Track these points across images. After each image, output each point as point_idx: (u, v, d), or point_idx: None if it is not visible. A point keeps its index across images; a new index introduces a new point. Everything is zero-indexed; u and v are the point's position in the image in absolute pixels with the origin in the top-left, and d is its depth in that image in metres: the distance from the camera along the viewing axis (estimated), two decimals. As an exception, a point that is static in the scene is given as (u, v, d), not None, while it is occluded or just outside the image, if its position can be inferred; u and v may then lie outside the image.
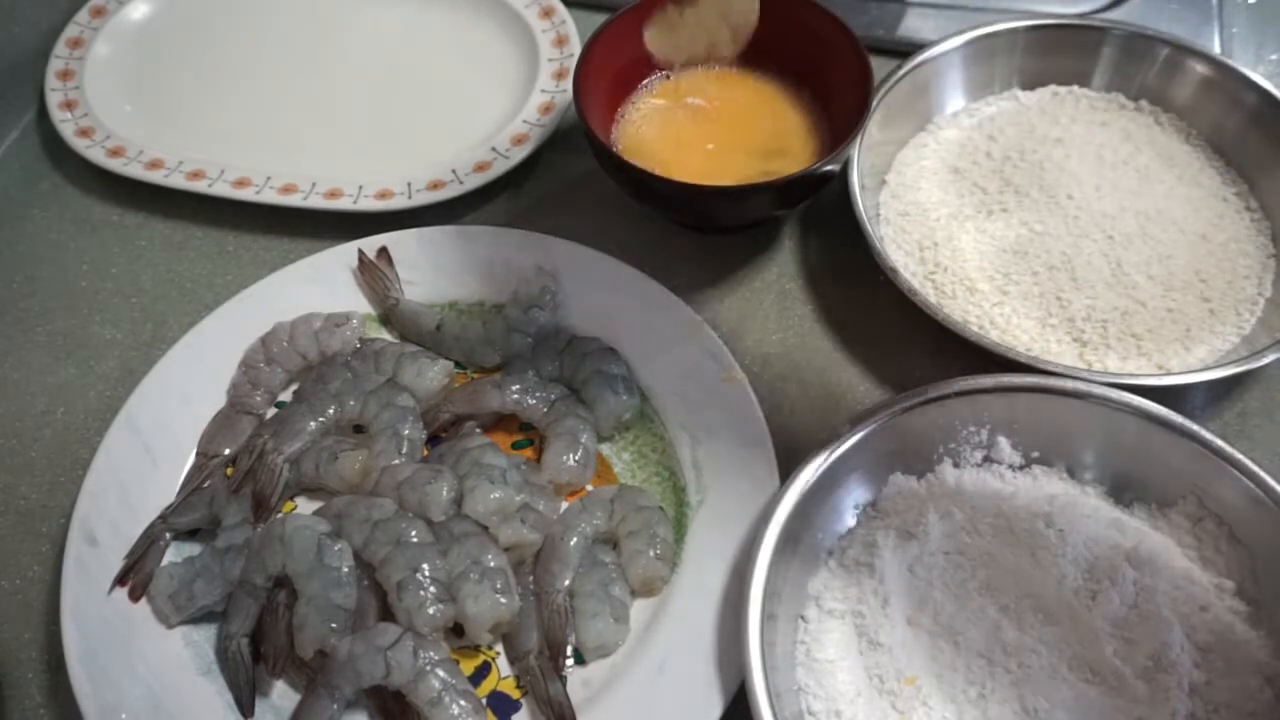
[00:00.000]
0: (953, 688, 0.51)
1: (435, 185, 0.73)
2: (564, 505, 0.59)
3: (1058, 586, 0.52)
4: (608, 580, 0.56)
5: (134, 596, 0.56)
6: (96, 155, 0.75)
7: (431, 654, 0.52)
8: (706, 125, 0.72)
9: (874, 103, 0.68)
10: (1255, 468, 0.53)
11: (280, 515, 0.58)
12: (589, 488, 0.60)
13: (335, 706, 0.52)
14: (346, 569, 0.54)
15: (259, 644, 0.54)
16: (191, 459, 0.61)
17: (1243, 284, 0.66)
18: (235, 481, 0.59)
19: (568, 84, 0.76)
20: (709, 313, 0.67)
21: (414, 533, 0.55)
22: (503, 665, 0.55)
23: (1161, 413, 0.55)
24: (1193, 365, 0.62)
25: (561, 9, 0.83)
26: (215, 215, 0.75)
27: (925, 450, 0.57)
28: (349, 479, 0.59)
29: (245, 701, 0.53)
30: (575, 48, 0.80)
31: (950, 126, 0.74)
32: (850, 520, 0.56)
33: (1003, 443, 0.57)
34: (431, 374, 0.62)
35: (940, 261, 0.67)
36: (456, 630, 0.54)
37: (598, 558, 0.57)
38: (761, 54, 0.74)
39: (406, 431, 0.60)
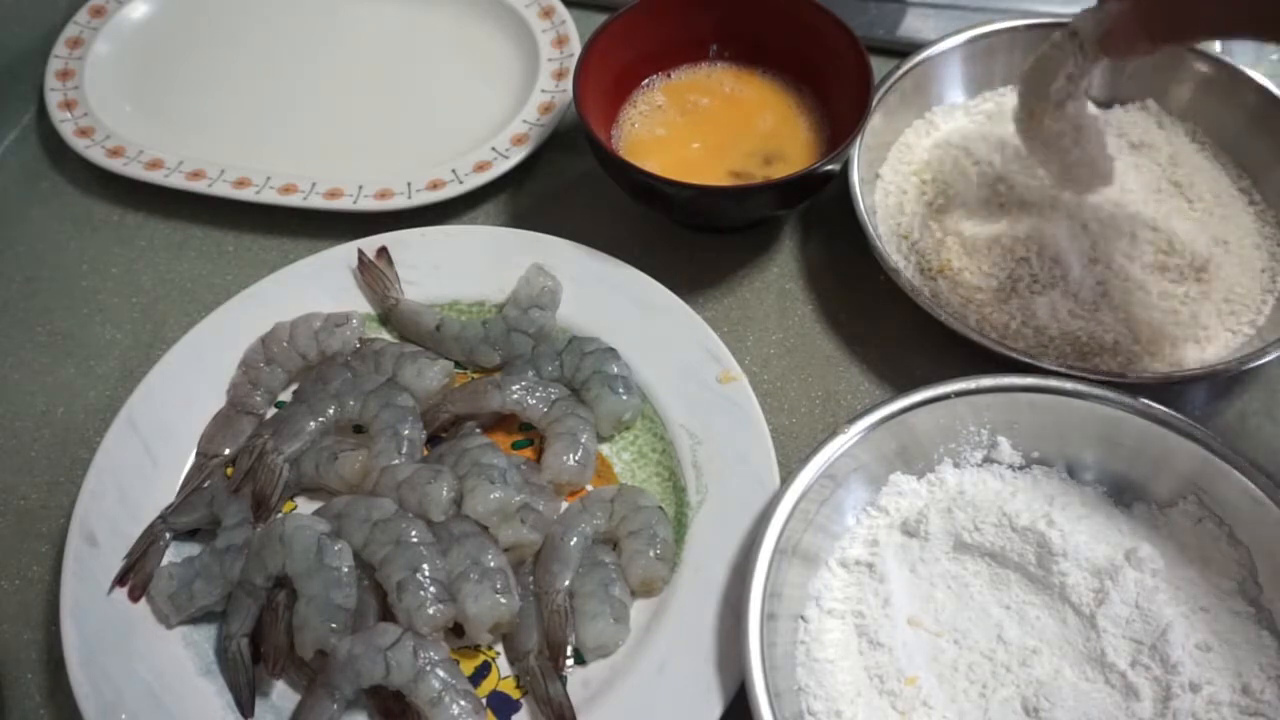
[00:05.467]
0: (953, 688, 0.51)
1: (435, 185, 0.73)
2: (564, 505, 0.59)
3: (1058, 586, 0.52)
4: (608, 580, 0.56)
5: (134, 596, 0.56)
6: (96, 155, 0.75)
7: (431, 654, 0.52)
8: (706, 125, 0.72)
9: (874, 102, 0.68)
10: (1255, 468, 0.53)
11: (280, 515, 0.58)
12: (589, 488, 0.60)
13: (335, 706, 0.52)
14: (346, 569, 0.54)
15: (259, 644, 0.54)
16: (191, 459, 0.61)
17: (1253, 280, 0.66)
18: (235, 481, 0.59)
19: (568, 84, 0.76)
20: (709, 313, 0.67)
21: (414, 533, 0.55)
22: (503, 665, 0.55)
23: (1161, 412, 0.55)
24: (1205, 362, 0.62)
25: (561, 9, 0.83)
26: (215, 215, 0.75)
27: (926, 450, 0.57)
28: (349, 479, 0.59)
29: (245, 701, 0.53)
30: (575, 48, 0.80)
31: (948, 123, 0.74)
32: (851, 520, 0.56)
33: (1003, 443, 0.57)
34: (431, 374, 0.62)
35: (939, 261, 0.67)
36: (456, 630, 0.54)
37: (598, 558, 0.57)
38: (761, 54, 0.74)
39: (406, 431, 0.60)
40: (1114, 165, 0.65)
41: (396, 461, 0.59)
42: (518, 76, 0.81)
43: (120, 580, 0.56)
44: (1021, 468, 0.58)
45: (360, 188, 0.73)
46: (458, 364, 0.65)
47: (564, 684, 0.53)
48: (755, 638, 0.49)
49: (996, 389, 0.57)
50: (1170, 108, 0.73)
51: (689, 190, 0.64)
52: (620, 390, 0.62)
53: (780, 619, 0.51)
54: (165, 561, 0.57)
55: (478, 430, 0.62)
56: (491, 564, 0.54)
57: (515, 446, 0.63)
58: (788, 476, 0.54)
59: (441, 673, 0.51)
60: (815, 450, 0.55)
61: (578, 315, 0.66)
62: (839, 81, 0.69)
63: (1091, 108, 0.65)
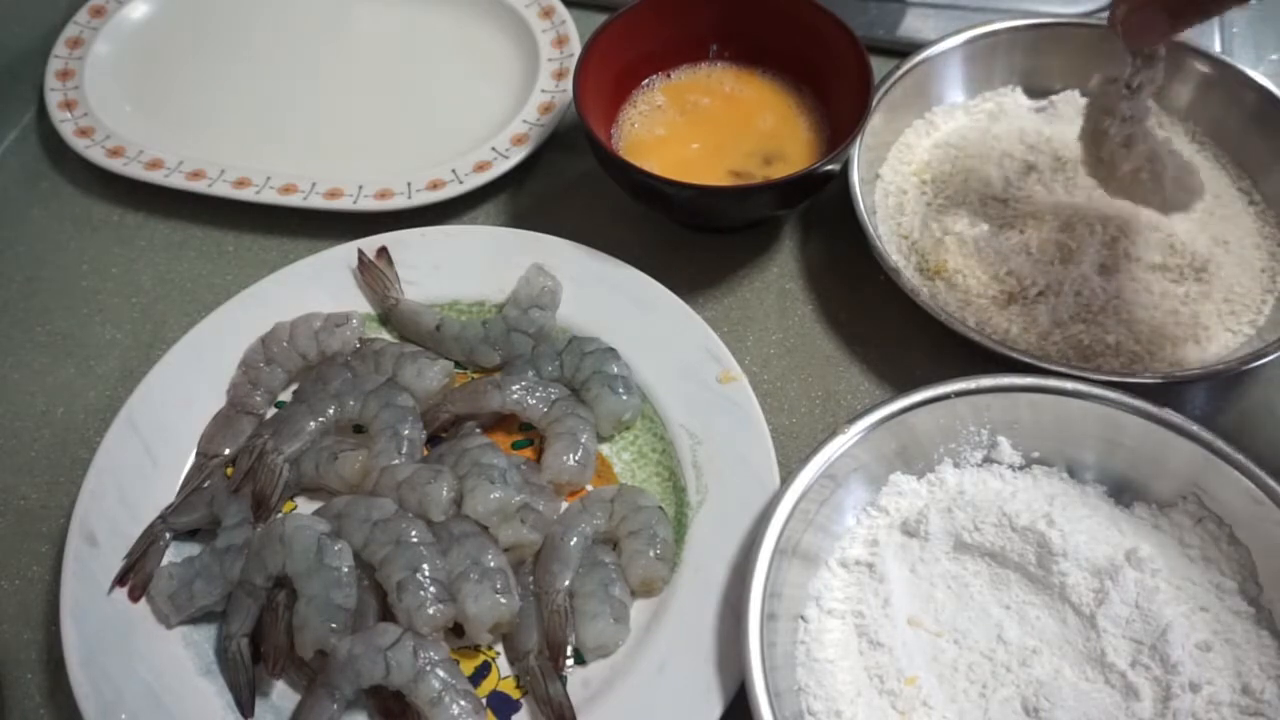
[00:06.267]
0: (953, 688, 0.51)
1: (435, 185, 0.73)
2: (564, 505, 0.59)
3: (1058, 586, 0.52)
4: (608, 580, 0.56)
5: (134, 596, 0.56)
6: (96, 155, 0.75)
7: (431, 654, 0.52)
8: (707, 125, 0.72)
9: (874, 102, 0.68)
10: (1255, 468, 0.53)
11: (280, 515, 0.58)
12: (589, 488, 0.60)
13: (335, 706, 0.52)
14: (346, 569, 0.54)
15: (259, 644, 0.54)
16: (191, 459, 0.61)
17: (1253, 280, 0.65)
18: (235, 481, 0.59)
19: (568, 84, 0.76)
20: (709, 313, 0.67)
21: (414, 533, 0.55)
22: (503, 665, 0.55)
23: (1161, 413, 0.55)
24: (1205, 362, 0.62)
25: (561, 9, 0.83)
26: (215, 215, 0.75)
27: (926, 450, 0.57)
28: (349, 479, 0.59)
29: (245, 701, 0.53)
30: (575, 48, 0.80)
31: (948, 123, 0.74)
32: (851, 520, 0.56)
33: (1003, 443, 0.57)
34: (431, 374, 0.62)
35: (938, 261, 0.67)
36: (456, 630, 0.54)
37: (598, 558, 0.57)
38: (761, 54, 0.74)
39: (406, 431, 0.60)
40: (1199, 175, 0.63)
41: (396, 461, 0.59)
42: (518, 76, 0.81)
43: (120, 580, 0.56)
44: (1021, 468, 0.58)
45: (360, 188, 0.73)
46: (458, 364, 0.65)
47: (564, 684, 0.53)
48: (755, 638, 0.49)
49: (996, 389, 0.57)
50: (1170, 108, 0.73)
51: (689, 190, 0.64)
52: (620, 390, 0.62)
53: (780, 619, 0.51)
54: (165, 561, 0.57)
55: (478, 430, 0.62)
56: (491, 564, 0.54)
57: (515, 446, 0.63)
58: (788, 476, 0.54)
59: (441, 673, 0.51)
60: (815, 450, 0.55)
61: (578, 315, 0.66)
62: (839, 81, 0.69)
63: (1157, 130, 0.63)
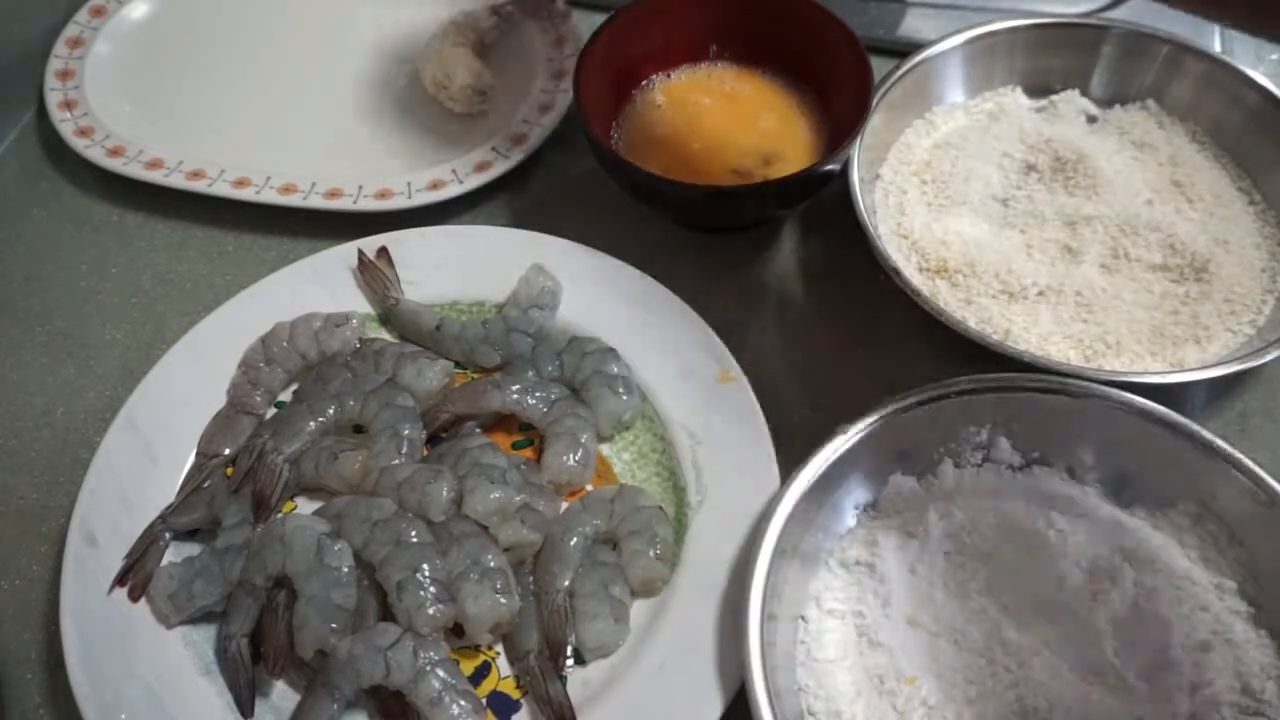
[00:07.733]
0: (953, 688, 0.51)
1: (435, 185, 0.73)
2: (564, 505, 0.59)
3: (1058, 586, 0.52)
4: (608, 580, 0.56)
5: (134, 596, 0.56)
6: (96, 155, 0.75)
7: (431, 654, 0.52)
8: (706, 125, 0.72)
9: (874, 102, 0.68)
10: (1255, 468, 0.53)
11: (280, 515, 0.58)
12: (589, 488, 0.60)
13: (335, 706, 0.52)
14: (346, 569, 0.54)
15: (259, 644, 0.54)
16: (191, 459, 0.61)
17: (1253, 280, 0.65)
18: (235, 481, 0.59)
19: (568, 84, 0.76)
20: (709, 313, 0.67)
21: (414, 533, 0.55)
22: (503, 665, 0.55)
23: (1161, 413, 0.55)
24: (1205, 362, 0.61)
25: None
26: (215, 215, 0.75)
27: (925, 450, 0.57)
28: (349, 479, 0.59)
29: (245, 701, 0.53)
30: (575, 48, 0.80)
31: (948, 123, 0.74)
32: (850, 520, 0.56)
33: (1003, 443, 0.57)
34: (431, 374, 0.62)
35: (939, 261, 0.67)
36: (456, 630, 0.54)
37: (598, 558, 0.57)
38: (761, 54, 0.74)
39: (406, 431, 0.60)
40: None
41: (396, 461, 0.59)
42: (518, 76, 0.81)
43: (120, 580, 0.56)
44: (1021, 468, 0.58)
45: (360, 188, 0.73)
46: (458, 364, 0.65)
47: (564, 684, 0.53)
48: (755, 638, 0.49)
49: (996, 389, 0.57)
50: (1170, 108, 0.73)
51: (689, 190, 0.64)
52: (620, 390, 0.62)
53: (780, 619, 0.51)
54: (165, 561, 0.57)
55: (478, 430, 0.62)
56: (491, 564, 0.54)
57: (515, 446, 0.63)
58: (788, 476, 0.54)
59: (441, 673, 0.51)
60: (815, 450, 0.55)
61: (578, 315, 0.66)
62: (839, 81, 0.69)
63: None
